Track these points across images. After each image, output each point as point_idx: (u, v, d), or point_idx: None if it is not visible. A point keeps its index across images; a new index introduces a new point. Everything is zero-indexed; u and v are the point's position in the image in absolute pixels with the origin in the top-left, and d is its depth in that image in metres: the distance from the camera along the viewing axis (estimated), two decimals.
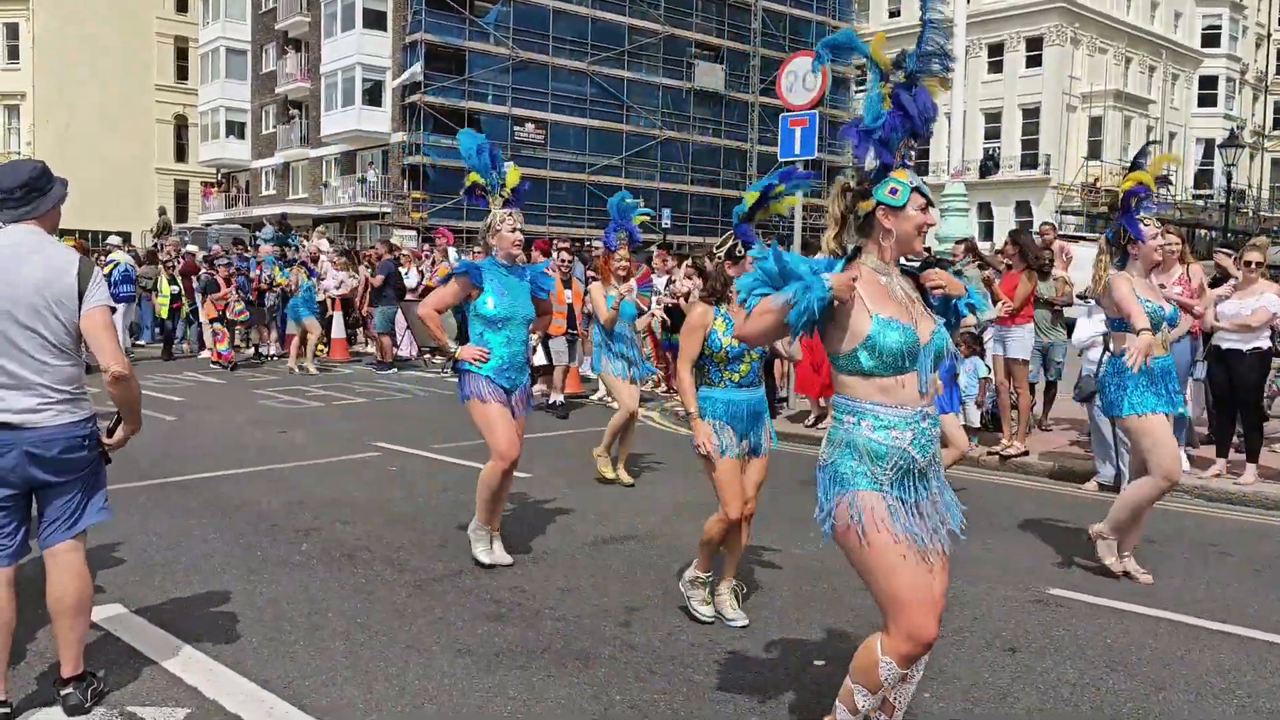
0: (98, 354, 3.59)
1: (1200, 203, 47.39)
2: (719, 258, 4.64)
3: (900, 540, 2.91)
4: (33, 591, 3.76)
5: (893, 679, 2.97)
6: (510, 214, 5.48)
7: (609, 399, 12.26)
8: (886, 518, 2.91)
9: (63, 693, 3.64)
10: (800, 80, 11.46)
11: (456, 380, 5.56)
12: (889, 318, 2.92)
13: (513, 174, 5.60)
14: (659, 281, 12.79)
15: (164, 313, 16.75)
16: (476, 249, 14.56)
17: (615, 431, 7.85)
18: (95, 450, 3.65)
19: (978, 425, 9.00)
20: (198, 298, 16.69)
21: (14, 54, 49.73)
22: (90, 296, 3.57)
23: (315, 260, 16.41)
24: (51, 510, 3.61)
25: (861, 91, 50.49)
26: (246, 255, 17.68)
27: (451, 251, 16.96)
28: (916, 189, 3.03)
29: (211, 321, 15.74)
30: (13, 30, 49.67)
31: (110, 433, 3.73)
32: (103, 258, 17.31)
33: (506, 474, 5.43)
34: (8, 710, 3.54)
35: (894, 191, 3.02)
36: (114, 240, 22.51)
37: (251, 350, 17.21)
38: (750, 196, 4.63)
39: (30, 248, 3.53)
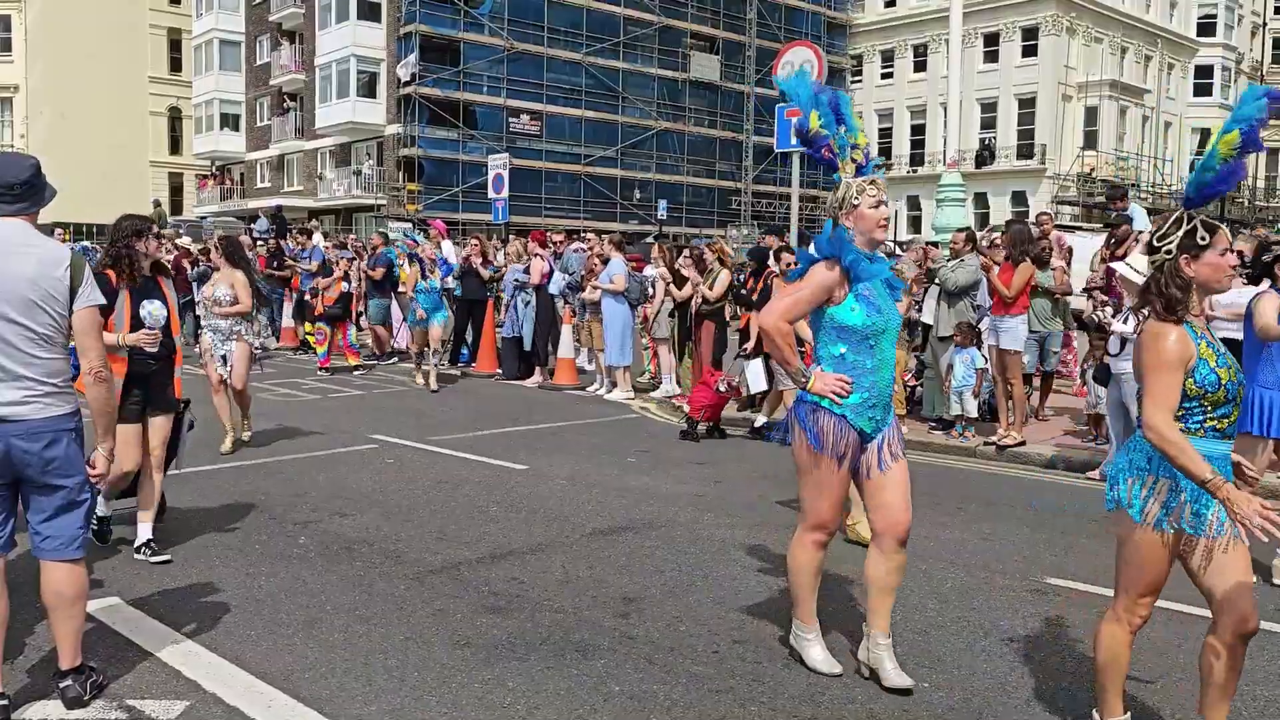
0: (83, 353, 3.61)
1: None
2: (1169, 251, 3.15)
3: None
4: (31, 584, 3.75)
5: None
6: (873, 182, 3.90)
7: (604, 392, 12.26)
8: None
9: (61, 685, 3.63)
10: (796, 70, 11.46)
11: (791, 410, 4.08)
12: None
13: (860, 126, 4.11)
14: (650, 271, 12.66)
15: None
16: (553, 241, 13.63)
17: None
18: (80, 446, 3.63)
19: (975, 416, 9.01)
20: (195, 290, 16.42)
21: (6, 46, 49.65)
22: (83, 295, 3.58)
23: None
24: (39, 519, 3.58)
25: (858, 83, 50.52)
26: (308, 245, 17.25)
27: (445, 245, 16.85)
28: None
29: (318, 320, 14.45)
30: (5, 22, 49.56)
31: (92, 464, 3.70)
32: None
33: (823, 547, 4.03)
34: (6, 703, 3.54)
35: None
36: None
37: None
38: (1228, 143, 3.06)
39: (21, 242, 3.53)
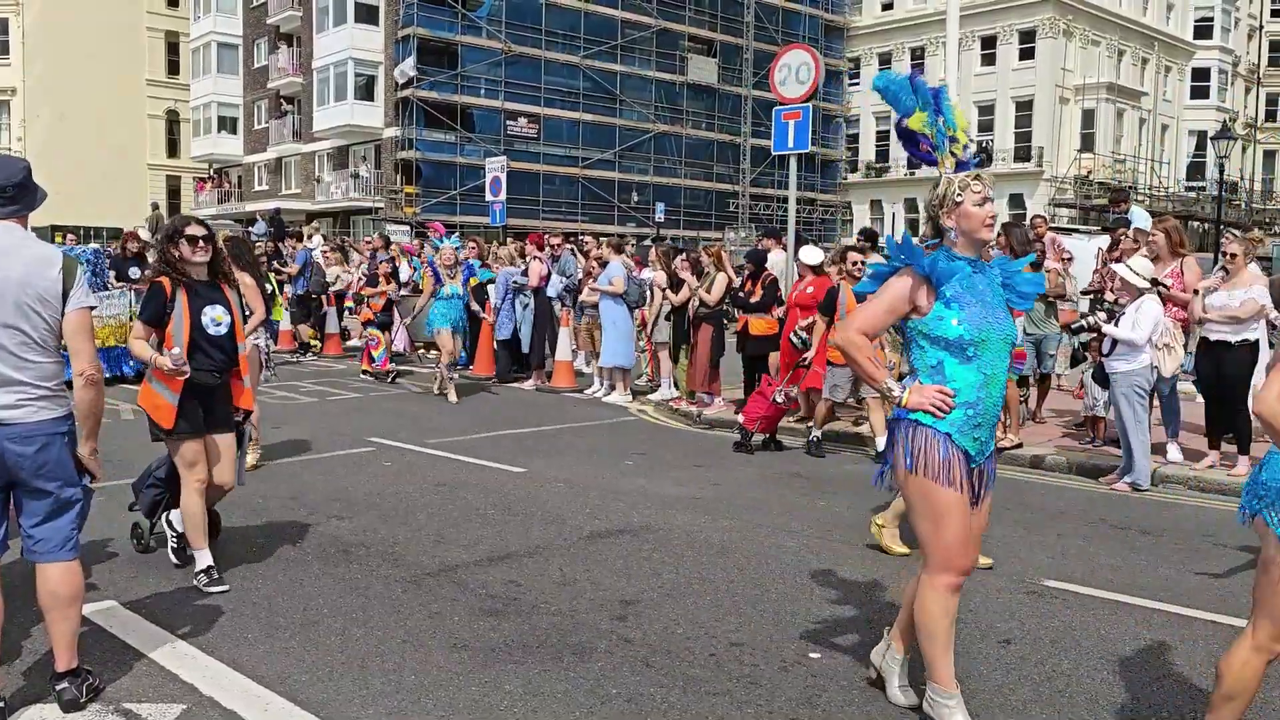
0: (74, 355, 3.59)
1: (1193, 195, 47.51)
2: None
3: None
4: (26, 589, 3.75)
5: None
6: (977, 176, 3.50)
7: (601, 393, 12.26)
8: None
9: (57, 688, 3.63)
10: (794, 73, 11.48)
11: (887, 433, 3.68)
12: None
13: (959, 118, 3.68)
14: (647, 274, 12.65)
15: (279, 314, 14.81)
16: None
17: None
18: (73, 449, 3.63)
19: None
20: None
21: (4, 49, 49.66)
22: (74, 297, 3.57)
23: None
24: (32, 522, 3.58)
25: (855, 86, 50.56)
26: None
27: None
28: None
29: (366, 325, 14.11)
30: (3, 25, 49.55)
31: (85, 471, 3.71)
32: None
33: (957, 591, 3.50)
34: (2, 706, 3.54)
35: None
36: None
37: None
38: None
39: (12, 245, 3.52)
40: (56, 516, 3.59)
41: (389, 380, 13.38)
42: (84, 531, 3.77)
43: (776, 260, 11.32)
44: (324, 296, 16.54)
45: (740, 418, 9.19)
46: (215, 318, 4.98)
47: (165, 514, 5.48)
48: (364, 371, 13.90)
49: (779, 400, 8.78)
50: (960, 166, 3.61)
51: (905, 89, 3.66)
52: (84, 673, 3.71)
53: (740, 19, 46.24)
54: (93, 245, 16.71)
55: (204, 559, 4.99)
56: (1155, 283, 7.60)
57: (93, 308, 3.70)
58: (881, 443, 8.11)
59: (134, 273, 14.27)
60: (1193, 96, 50.45)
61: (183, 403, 4.87)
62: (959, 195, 3.47)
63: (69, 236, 17.43)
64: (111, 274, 13.88)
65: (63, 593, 3.60)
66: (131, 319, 12.81)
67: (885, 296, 3.55)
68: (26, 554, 3.62)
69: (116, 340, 12.72)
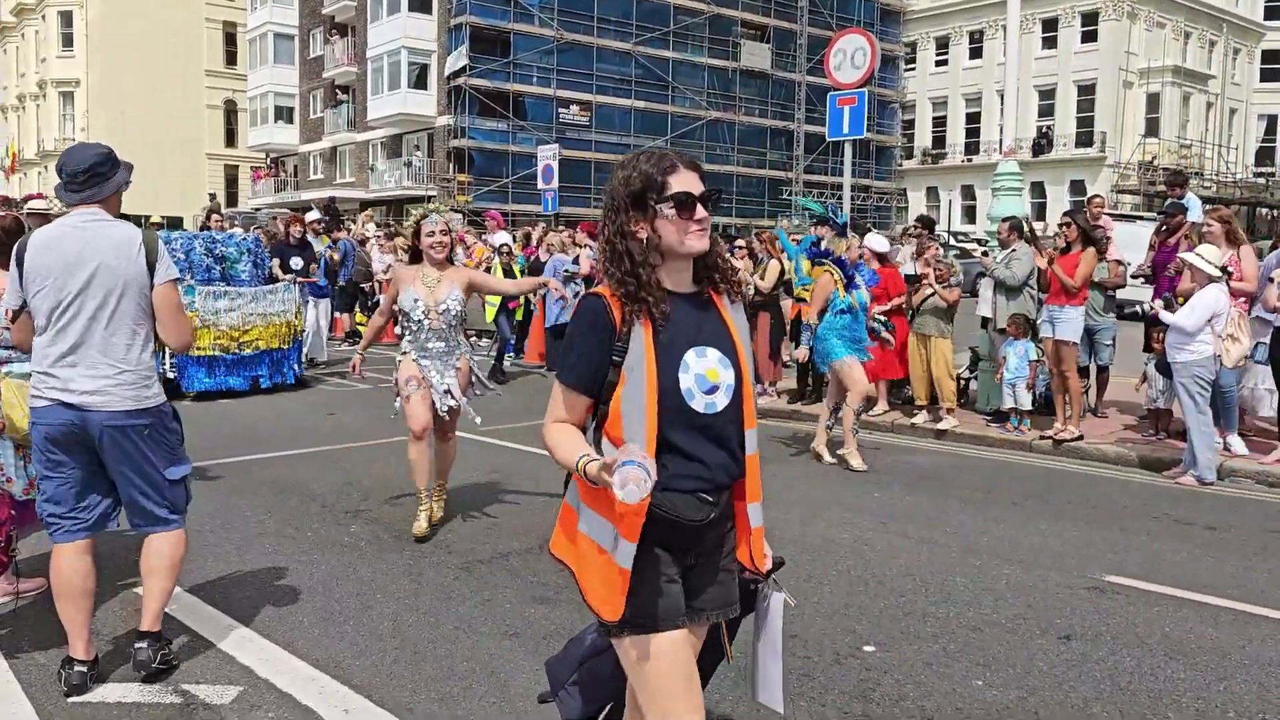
0: (165, 331, 3.68)
1: (1262, 180, 46.17)
2: None
3: None
4: (102, 567, 3.82)
5: None
6: None
7: None
8: None
9: (136, 645, 3.75)
10: (849, 58, 11.32)
11: None
12: None
13: None
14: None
15: (491, 314, 13.17)
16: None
17: None
18: (159, 436, 3.70)
19: (1029, 408, 8.84)
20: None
21: (68, 41, 50.86)
22: (159, 271, 3.64)
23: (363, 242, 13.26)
24: (126, 499, 3.71)
25: (911, 71, 49.84)
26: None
27: (501, 234, 16.86)
28: None
29: None
30: (67, 18, 50.77)
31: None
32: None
33: None
34: (85, 670, 3.65)
35: None
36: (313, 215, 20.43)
37: None
38: None
39: (93, 232, 3.59)
40: (145, 498, 3.70)
41: None
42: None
43: None
44: (376, 284, 16.65)
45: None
46: (706, 373, 2.33)
47: None
48: None
49: None
50: None
51: None
52: (164, 640, 3.82)
53: (794, 3, 45.75)
54: (252, 233, 14.94)
55: None
56: (1225, 270, 7.40)
57: (179, 279, 3.79)
58: None
59: (296, 263, 12.37)
60: (1263, 79, 49.00)
61: (641, 564, 2.35)
62: None
63: (214, 217, 16.44)
64: (274, 262, 12.01)
65: (165, 554, 3.76)
66: (298, 315, 11.44)
67: None
68: (130, 525, 3.80)
69: (281, 342, 11.12)
